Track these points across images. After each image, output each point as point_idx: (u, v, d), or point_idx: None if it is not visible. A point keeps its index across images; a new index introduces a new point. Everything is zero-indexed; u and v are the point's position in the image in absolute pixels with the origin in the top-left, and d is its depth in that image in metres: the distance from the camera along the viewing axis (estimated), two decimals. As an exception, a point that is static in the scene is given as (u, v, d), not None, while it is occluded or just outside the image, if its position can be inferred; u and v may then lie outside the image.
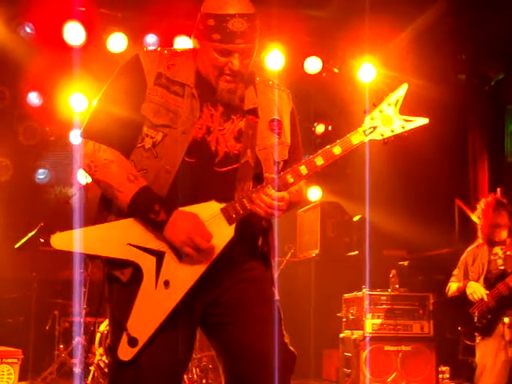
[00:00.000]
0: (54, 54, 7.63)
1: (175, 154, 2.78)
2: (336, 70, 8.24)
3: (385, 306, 6.40)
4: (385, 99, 2.86)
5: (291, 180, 2.76)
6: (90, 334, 6.77)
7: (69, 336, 6.88)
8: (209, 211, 2.75)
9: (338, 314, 6.81)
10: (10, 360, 5.98)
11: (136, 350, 2.71)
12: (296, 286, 7.85)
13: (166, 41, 7.52)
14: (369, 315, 6.34)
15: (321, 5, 7.61)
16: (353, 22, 7.62)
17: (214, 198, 2.76)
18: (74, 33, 7.48)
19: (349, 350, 6.45)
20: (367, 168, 7.55)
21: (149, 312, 2.72)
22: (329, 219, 8.09)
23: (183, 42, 7.60)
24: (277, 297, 2.96)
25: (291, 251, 7.90)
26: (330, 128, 9.17)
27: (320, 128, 9.28)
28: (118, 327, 2.76)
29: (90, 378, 6.49)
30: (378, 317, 6.37)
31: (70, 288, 6.79)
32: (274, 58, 7.91)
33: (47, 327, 6.91)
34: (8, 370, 5.97)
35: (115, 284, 2.83)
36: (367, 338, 6.26)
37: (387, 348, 6.26)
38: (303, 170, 2.78)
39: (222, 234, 2.75)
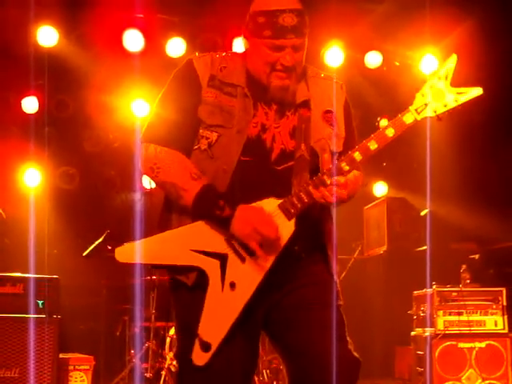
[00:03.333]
0: (115, 62, 7.71)
1: (231, 153, 2.79)
2: (397, 64, 8.12)
3: (456, 303, 6.25)
4: (434, 73, 2.77)
5: (346, 168, 2.73)
6: (160, 339, 6.82)
7: (139, 341, 6.93)
8: (267, 208, 2.73)
9: (409, 312, 6.69)
10: (82, 367, 6.08)
11: (210, 354, 2.71)
12: (365, 284, 7.76)
13: (225, 43, 7.52)
14: (440, 312, 6.20)
15: (380, -2, 7.53)
16: (413, 13, 7.49)
17: (272, 195, 2.74)
18: (133, 40, 7.56)
19: (421, 348, 6.33)
20: (428, 158, 7.43)
21: (218, 315, 2.72)
22: (395, 215, 7.98)
23: (241, 44, 7.58)
24: (340, 301, 2.91)
25: (359, 248, 7.80)
26: (393, 122, 9.02)
27: (383, 123, 9.14)
28: (188, 333, 2.77)
29: (161, 382, 6.52)
30: (450, 313, 6.22)
31: (138, 294, 6.84)
32: (333, 55, 7.84)
33: (118, 333, 6.97)
34: (81, 377, 6.06)
35: (181, 290, 2.84)
36: (439, 336, 6.13)
37: (461, 345, 6.12)
38: (357, 156, 2.74)
39: (282, 229, 2.72)
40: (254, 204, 2.74)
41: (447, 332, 6.17)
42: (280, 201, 2.73)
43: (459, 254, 8.03)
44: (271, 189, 2.76)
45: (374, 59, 8.00)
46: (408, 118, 2.75)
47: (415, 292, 6.71)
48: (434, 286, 6.34)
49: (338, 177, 2.71)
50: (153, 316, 6.62)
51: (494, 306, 6.27)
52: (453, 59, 2.75)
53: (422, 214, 8.23)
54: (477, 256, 8.05)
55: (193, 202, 2.73)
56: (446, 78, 2.74)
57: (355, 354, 2.84)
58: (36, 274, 6.08)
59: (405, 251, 7.88)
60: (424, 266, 7.62)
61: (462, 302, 6.25)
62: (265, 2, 2.81)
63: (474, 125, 7.92)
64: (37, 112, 8.16)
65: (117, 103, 8.21)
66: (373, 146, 2.74)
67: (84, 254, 6.61)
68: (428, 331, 6.28)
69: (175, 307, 2.94)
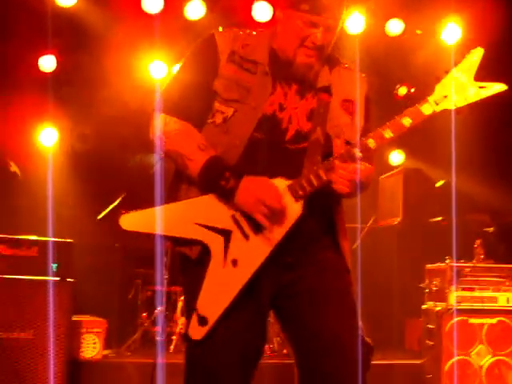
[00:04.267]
0: (133, 23, 7.65)
1: (244, 128, 2.80)
2: (419, 32, 8.01)
3: (469, 278, 6.23)
4: (457, 65, 2.72)
5: (359, 154, 2.70)
6: (172, 303, 6.86)
7: (151, 305, 6.98)
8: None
9: (421, 285, 6.69)
10: (95, 330, 6.14)
11: (206, 328, 2.73)
12: (378, 254, 7.73)
13: (245, 8, 7.44)
14: (452, 287, 6.20)
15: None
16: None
17: (282, 175, 2.74)
18: (152, 1, 7.47)
19: (431, 322, 6.33)
20: (453, 127, 7.33)
21: (218, 291, 2.74)
22: (412, 186, 7.93)
23: (261, 7, 7.50)
24: (353, 288, 2.93)
25: (373, 218, 7.78)
26: (412, 90, 8.94)
27: (402, 90, 9.04)
28: (190, 309, 2.80)
29: (172, 346, 6.58)
30: (463, 289, 6.21)
31: (152, 257, 6.86)
32: (354, 21, 7.74)
33: (130, 296, 7.01)
34: (93, 340, 6.12)
35: (187, 265, 2.87)
36: (451, 311, 6.13)
37: (471, 321, 6.11)
38: (371, 143, 2.74)
39: (289, 211, 2.71)
40: None
41: (459, 307, 6.17)
42: (289, 182, 2.73)
43: (473, 227, 8.00)
44: (282, 168, 2.76)
45: (395, 27, 7.90)
46: (426, 108, 2.73)
47: (428, 265, 6.69)
48: (448, 261, 6.32)
49: (349, 164, 2.69)
50: (165, 280, 6.65)
51: (507, 283, 6.25)
52: (478, 52, 2.70)
53: (437, 185, 8.19)
54: (491, 229, 8.01)
55: (199, 171, 2.75)
56: (469, 70, 2.69)
57: (368, 339, 2.85)
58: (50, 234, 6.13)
59: (419, 223, 7.85)
60: (438, 237, 7.61)
61: (474, 278, 6.23)
62: None
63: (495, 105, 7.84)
64: (54, 71, 8.13)
65: (134, 64, 8.16)
66: (388, 134, 2.73)
67: (99, 217, 6.63)
68: (439, 306, 6.28)
69: (182, 284, 2.98)
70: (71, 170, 8.15)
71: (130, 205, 6.90)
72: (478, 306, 6.17)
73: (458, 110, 2.75)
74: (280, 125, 2.81)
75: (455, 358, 6.01)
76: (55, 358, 5.52)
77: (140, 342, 6.83)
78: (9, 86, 7.82)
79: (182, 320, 6.57)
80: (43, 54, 8.02)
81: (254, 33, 2.99)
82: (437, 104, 2.71)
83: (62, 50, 8.12)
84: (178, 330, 6.63)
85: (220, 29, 2.98)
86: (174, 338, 6.61)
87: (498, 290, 6.23)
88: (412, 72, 8.26)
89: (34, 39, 7.80)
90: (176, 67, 3.01)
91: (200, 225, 2.77)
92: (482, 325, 6.12)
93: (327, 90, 2.89)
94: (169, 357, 6.08)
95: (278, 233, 2.72)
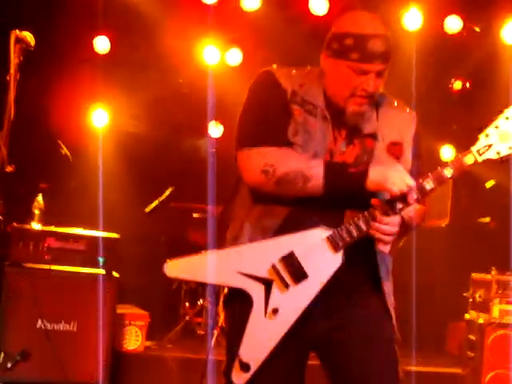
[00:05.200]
0: (189, 11, 7.62)
1: None
2: (477, 30, 7.84)
3: (515, 291, 6.20)
4: (501, 113, 2.67)
5: (400, 206, 2.68)
6: (216, 296, 6.92)
7: (194, 297, 7.05)
8: (315, 237, 2.74)
9: (465, 294, 6.66)
10: (138, 323, 6.26)
11: (249, 375, 2.78)
12: (424, 253, 7.67)
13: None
14: (496, 300, 6.16)
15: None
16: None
17: (323, 222, 2.73)
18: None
19: (474, 333, 6.32)
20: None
21: (259, 339, 2.79)
22: (462, 189, 7.84)
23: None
24: (396, 335, 2.92)
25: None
26: (467, 85, 8.79)
27: (457, 85, 8.90)
28: (231, 352, 2.84)
29: (213, 340, 6.64)
30: (507, 302, 6.17)
31: (196, 250, 6.91)
32: (411, 18, 7.60)
33: (174, 287, 7.09)
34: (136, 332, 6.24)
35: (229, 309, 2.92)
36: (494, 324, 6.10)
37: (514, 335, 6.09)
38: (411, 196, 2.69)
39: (328, 261, 2.74)
40: (302, 232, 2.73)
41: (502, 321, 6.13)
42: (328, 231, 2.72)
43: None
44: (324, 215, 2.75)
45: (453, 24, 7.71)
46: (469, 158, 2.67)
47: (474, 274, 6.65)
48: (493, 272, 6.27)
49: (391, 217, 2.68)
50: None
51: (553, 298, 6.19)
52: None
53: (488, 185, 8.08)
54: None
55: (323, 172, 2.69)
56: None
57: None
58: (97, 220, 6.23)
59: (468, 225, 7.78)
60: (487, 240, 7.54)
61: (520, 291, 6.20)
62: (352, 24, 2.76)
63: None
64: (108, 52, 8.15)
65: (188, 49, 8.14)
66: (429, 185, 2.68)
67: (146, 210, 6.68)
68: (482, 317, 6.25)
69: (225, 319, 3.02)
70: (122, 152, 8.21)
71: (178, 198, 6.93)
72: (521, 320, 6.13)
73: (503, 159, 2.69)
74: None
75: (496, 372, 5.99)
76: (99, 350, 5.64)
77: (182, 333, 6.91)
78: (62, 66, 7.86)
79: (224, 314, 6.62)
80: (97, 35, 8.03)
81: (305, 71, 2.93)
82: (480, 154, 2.66)
83: (117, 31, 8.13)
84: (220, 323, 6.67)
85: (274, 66, 2.94)
86: (215, 332, 6.66)
87: (543, 305, 6.18)
88: (469, 69, 8.12)
89: (89, 20, 7.81)
90: (244, 108, 2.88)
91: (242, 274, 2.79)
92: (525, 339, 6.10)
93: (373, 136, 2.86)
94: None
95: (317, 283, 2.74)
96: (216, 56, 8.14)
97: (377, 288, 2.90)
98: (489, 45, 7.91)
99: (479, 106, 8.42)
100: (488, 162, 2.70)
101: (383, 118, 2.90)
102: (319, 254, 2.73)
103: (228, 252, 2.85)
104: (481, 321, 6.22)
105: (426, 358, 6.86)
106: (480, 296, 6.40)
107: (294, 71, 2.91)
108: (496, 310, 6.14)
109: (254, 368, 2.77)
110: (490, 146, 2.65)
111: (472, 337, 6.35)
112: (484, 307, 6.30)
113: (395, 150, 2.89)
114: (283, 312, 2.76)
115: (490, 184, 8.09)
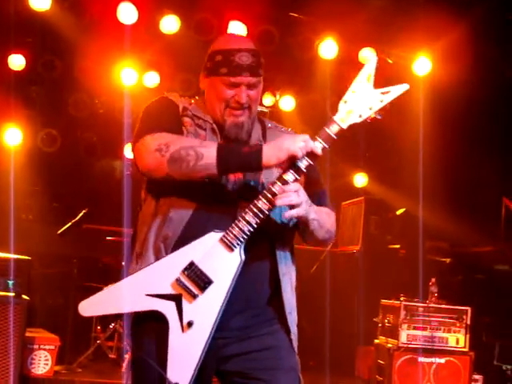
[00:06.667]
0: (107, 32, 7.60)
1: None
2: (390, 61, 8.08)
3: (421, 318, 6.35)
4: (355, 78, 2.71)
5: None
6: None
7: (106, 321, 6.97)
8: (210, 242, 2.76)
9: (375, 319, 6.80)
10: (47, 346, 6.12)
11: None
12: (336, 278, 7.81)
13: (222, 25, 7.42)
14: (405, 325, 6.30)
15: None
16: (408, 12, 7.48)
17: (223, 226, 2.75)
18: (127, 12, 7.44)
19: (382, 358, 6.44)
20: (421, 157, 7.46)
21: (183, 356, 2.76)
22: (372, 216, 8.01)
23: (236, 26, 7.51)
24: (298, 366, 2.97)
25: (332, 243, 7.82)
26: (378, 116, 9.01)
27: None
28: (144, 367, 2.83)
29: (124, 364, 6.59)
30: (414, 328, 6.33)
31: (109, 273, 6.87)
32: (327, 47, 7.83)
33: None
34: (45, 356, 6.12)
35: (142, 335, 2.87)
36: (402, 348, 6.25)
37: (421, 359, 6.23)
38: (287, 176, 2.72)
39: (228, 262, 2.76)
40: (196, 241, 2.74)
41: (409, 346, 6.28)
42: (222, 233, 2.74)
43: (431, 255, 8.14)
44: (222, 218, 2.79)
45: (368, 55, 7.94)
46: (334, 128, 2.71)
47: (383, 301, 6.79)
48: (402, 299, 6.43)
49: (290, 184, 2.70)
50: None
51: (458, 324, 6.36)
52: (373, 60, 2.73)
53: (398, 213, 8.29)
54: (448, 260, 8.15)
55: (217, 150, 2.68)
56: (368, 79, 2.70)
57: None
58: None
59: (378, 253, 7.95)
60: (395, 270, 7.75)
61: (427, 318, 6.34)
62: (222, 42, 2.93)
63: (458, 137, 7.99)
64: (23, 70, 8.05)
65: (105, 69, 8.11)
66: (302, 164, 2.70)
67: (58, 232, 6.58)
68: (391, 342, 6.39)
69: (137, 350, 2.96)
70: (35, 171, 8.09)
71: (91, 219, 6.86)
72: (428, 345, 6.28)
73: (369, 120, 2.72)
74: (221, 178, 2.83)
75: (402, 396, 6.12)
76: (6, 374, 5.51)
77: (93, 357, 6.82)
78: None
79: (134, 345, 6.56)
80: (13, 52, 7.93)
81: (194, 97, 3.07)
82: (344, 121, 2.70)
83: (33, 50, 8.05)
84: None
85: (165, 93, 3.03)
86: (126, 356, 6.61)
87: (449, 331, 6.35)
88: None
89: (4, 36, 7.69)
90: (141, 121, 2.91)
91: (150, 295, 2.78)
92: (431, 364, 6.25)
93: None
94: (121, 375, 6.12)
95: (223, 286, 2.75)
96: (133, 77, 8.14)
97: (282, 313, 2.93)
98: (402, 77, 8.15)
99: (390, 136, 8.68)
100: (354, 125, 2.67)
101: (270, 134, 3.01)
102: (218, 257, 2.75)
103: (134, 277, 2.82)
104: (389, 345, 6.35)
105: (337, 382, 6.95)
106: (389, 322, 6.54)
107: (183, 97, 3.03)
108: (404, 335, 6.29)
109: None
110: (350, 111, 2.71)
111: (381, 361, 6.47)
112: (393, 332, 6.43)
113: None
114: (198, 322, 2.75)
115: (400, 212, 8.29)
